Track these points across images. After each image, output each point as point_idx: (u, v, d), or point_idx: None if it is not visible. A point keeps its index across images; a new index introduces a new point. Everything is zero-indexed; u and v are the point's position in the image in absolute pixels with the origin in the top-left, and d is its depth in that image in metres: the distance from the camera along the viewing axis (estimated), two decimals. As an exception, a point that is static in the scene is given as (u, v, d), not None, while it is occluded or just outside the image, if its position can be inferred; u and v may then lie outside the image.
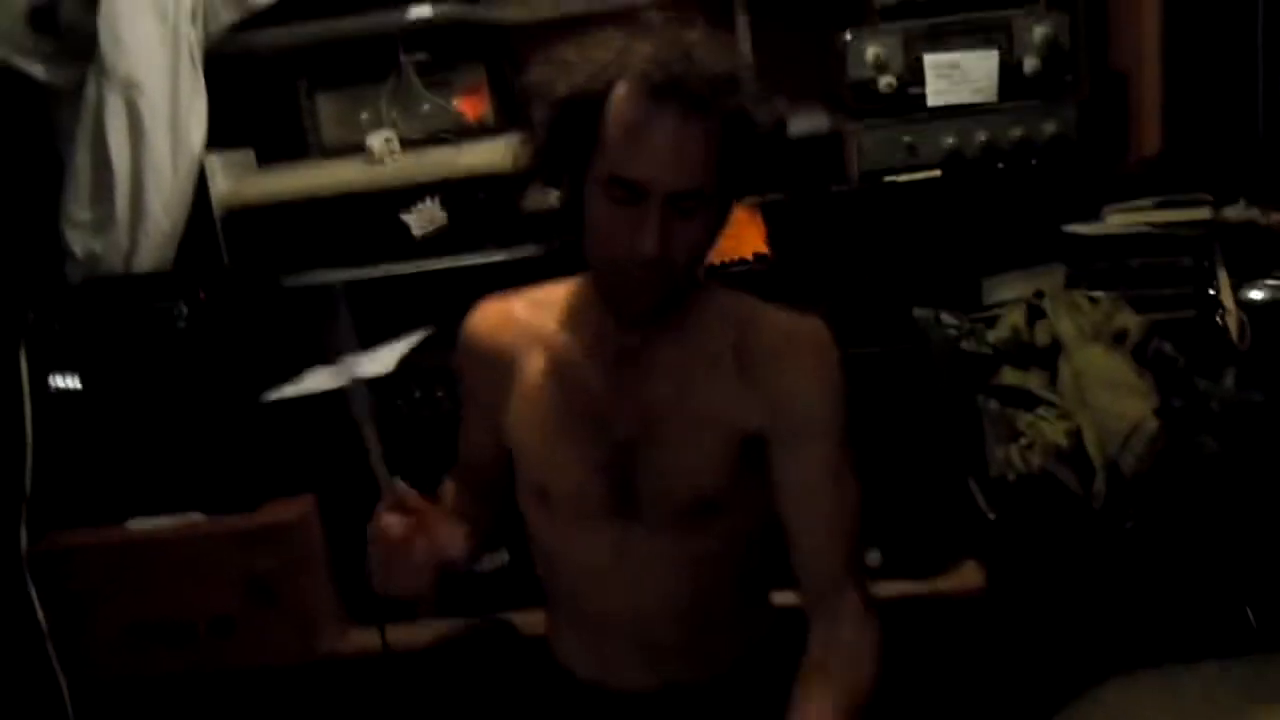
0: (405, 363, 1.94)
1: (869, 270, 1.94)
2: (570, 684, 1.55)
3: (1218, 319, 2.03)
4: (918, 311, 1.90)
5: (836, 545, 1.34)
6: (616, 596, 1.43)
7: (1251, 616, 1.67)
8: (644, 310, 1.30)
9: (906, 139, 2.03)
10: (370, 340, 2.06)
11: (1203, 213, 2.04)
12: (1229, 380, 1.91)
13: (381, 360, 1.93)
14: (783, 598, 1.71)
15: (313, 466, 1.93)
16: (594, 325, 1.40)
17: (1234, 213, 2.04)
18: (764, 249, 1.88)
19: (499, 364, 1.45)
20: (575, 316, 1.43)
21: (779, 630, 1.57)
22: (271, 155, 2.35)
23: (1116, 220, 2.09)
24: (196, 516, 1.89)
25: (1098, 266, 2.09)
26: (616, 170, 1.22)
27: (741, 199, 1.37)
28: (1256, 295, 1.79)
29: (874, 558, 1.82)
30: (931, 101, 2.02)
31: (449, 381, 1.90)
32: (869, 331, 1.88)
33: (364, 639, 1.91)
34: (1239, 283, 1.98)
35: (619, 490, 1.39)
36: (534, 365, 1.43)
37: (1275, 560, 1.60)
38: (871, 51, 2.00)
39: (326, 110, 2.32)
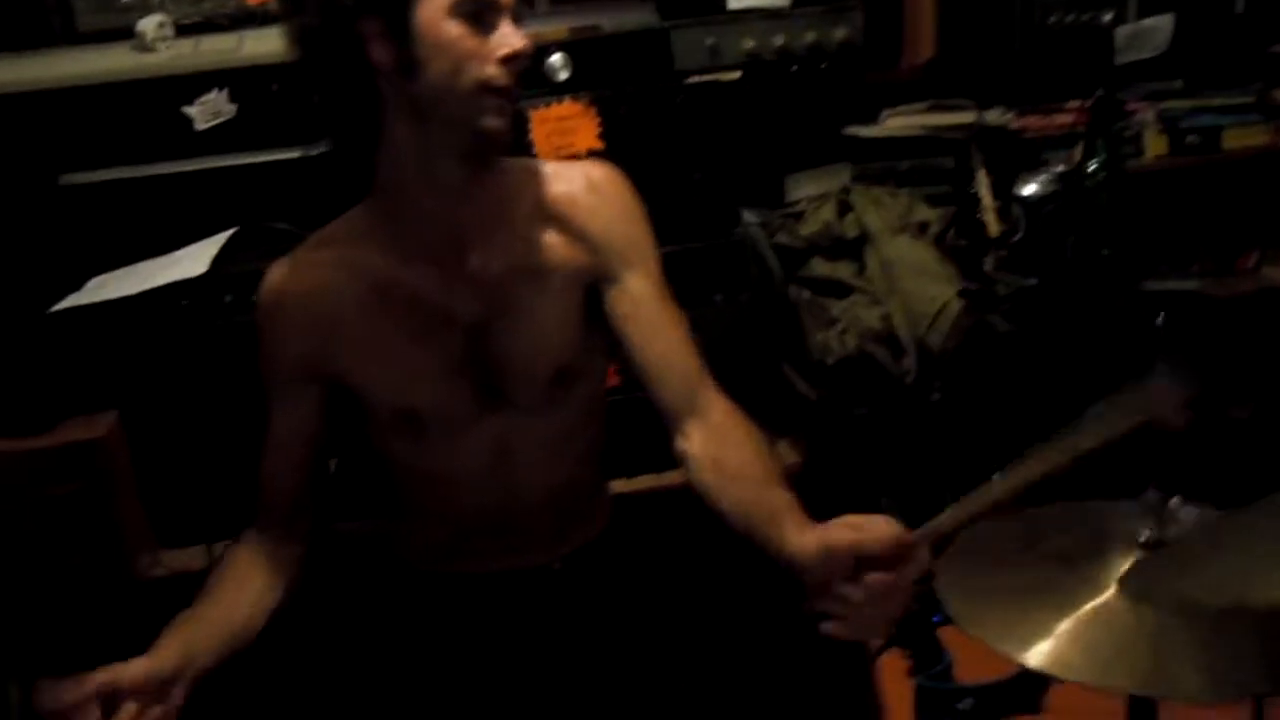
0: (215, 265, 1.83)
1: (690, 167, 1.99)
2: (407, 571, 1.55)
3: (977, 215, 2.27)
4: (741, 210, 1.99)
5: (687, 353, 1.40)
6: (492, 494, 1.44)
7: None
8: (505, 132, 1.28)
9: (709, 41, 2.08)
10: (170, 242, 1.92)
11: (967, 117, 2.25)
12: (988, 267, 2.14)
13: (190, 262, 1.81)
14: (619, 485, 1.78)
15: (113, 381, 1.78)
16: (410, 226, 1.35)
17: (993, 117, 2.26)
18: (597, 144, 1.89)
19: (317, 314, 1.36)
20: (384, 228, 1.37)
21: (618, 520, 1.64)
22: (11, 42, 2.08)
23: (893, 124, 2.26)
24: (-17, 440, 1.71)
25: (875, 167, 2.26)
26: None
27: None
28: (1026, 191, 2.00)
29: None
30: (732, 5, 2.08)
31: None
32: (692, 227, 1.95)
33: (181, 560, 1.81)
34: (998, 180, 2.21)
35: (482, 383, 1.39)
36: (359, 296, 1.36)
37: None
38: (676, -49, 2.04)
39: (81, -9, 2.08)
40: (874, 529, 1.14)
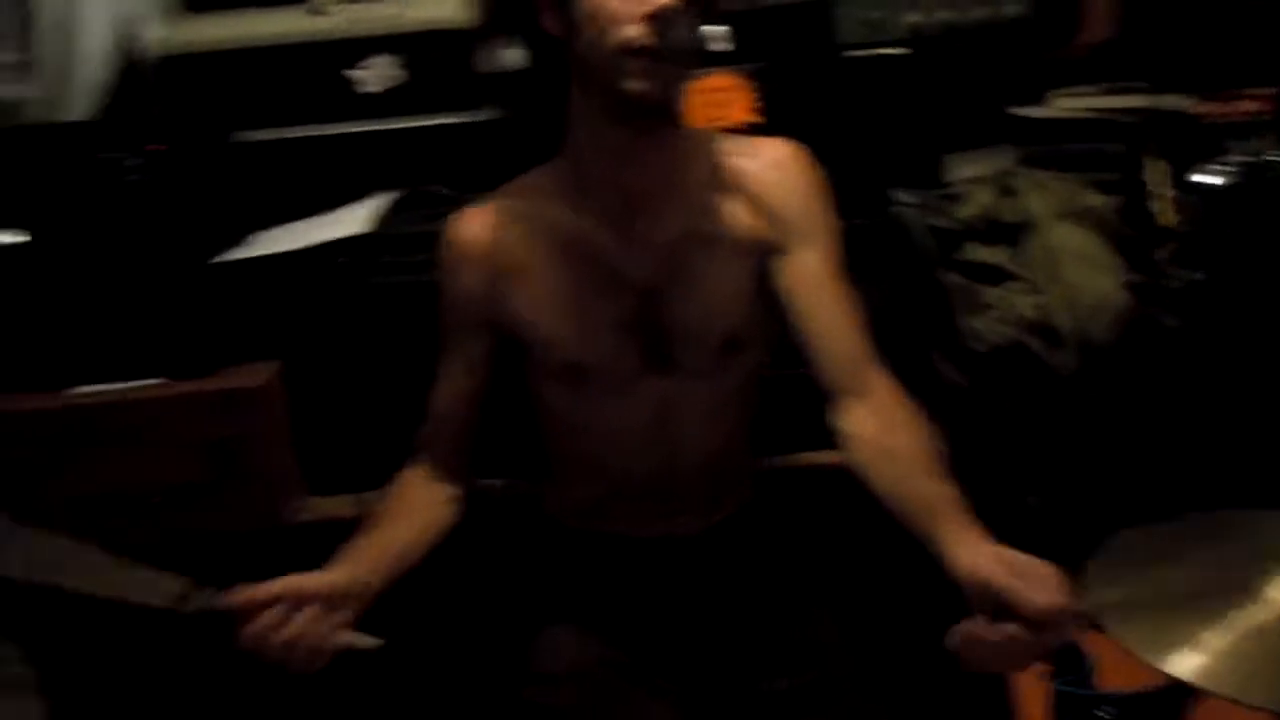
0: (374, 226, 1.88)
1: (847, 143, 1.94)
2: (555, 528, 1.57)
3: (1147, 205, 2.15)
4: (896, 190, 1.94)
5: (854, 331, 1.41)
6: (651, 457, 1.45)
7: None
8: (652, 96, 1.27)
9: (873, 14, 2.03)
10: (333, 201, 1.98)
11: (1141, 101, 2.13)
12: (1158, 259, 2.03)
13: (351, 222, 1.86)
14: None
15: (274, 332, 1.84)
16: (592, 182, 1.39)
17: (1170, 101, 2.13)
18: (752, 116, 1.87)
19: (500, 262, 1.42)
20: (568, 186, 1.41)
21: (763, 494, 1.63)
22: (191, 4, 2.18)
23: (1061, 105, 2.16)
24: (150, 382, 1.79)
25: (1039, 150, 2.17)
26: None
27: None
28: (1203, 180, 1.89)
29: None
30: (898, -25, 2.02)
31: (425, 247, 1.83)
32: (846, 205, 1.91)
33: (329, 506, 1.87)
34: (1175, 169, 2.09)
35: (652, 345, 1.41)
36: (540, 249, 1.41)
37: (1226, 428, 1.73)
38: (843, -78, 1.99)
39: (261, -45, 2.16)
40: (1034, 585, 1.08)
